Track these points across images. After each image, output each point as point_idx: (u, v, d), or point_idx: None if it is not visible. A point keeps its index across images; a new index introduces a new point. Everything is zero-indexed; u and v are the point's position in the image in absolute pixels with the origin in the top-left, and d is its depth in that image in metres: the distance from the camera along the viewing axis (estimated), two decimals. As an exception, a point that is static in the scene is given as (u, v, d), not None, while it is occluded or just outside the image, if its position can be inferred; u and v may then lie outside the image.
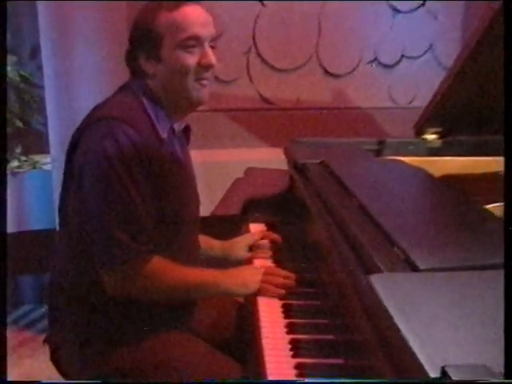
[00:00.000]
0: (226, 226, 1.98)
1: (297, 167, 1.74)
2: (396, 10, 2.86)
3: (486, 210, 1.14)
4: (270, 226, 1.80)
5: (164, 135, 1.25)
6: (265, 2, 2.67)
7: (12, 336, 2.33)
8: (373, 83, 2.89)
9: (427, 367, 0.58)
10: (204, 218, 1.79)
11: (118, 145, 1.16)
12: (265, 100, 2.78)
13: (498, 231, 1.00)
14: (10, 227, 2.31)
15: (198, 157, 2.60)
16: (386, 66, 2.91)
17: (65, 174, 1.28)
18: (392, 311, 0.72)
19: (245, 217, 1.94)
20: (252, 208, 1.97)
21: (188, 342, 1.28)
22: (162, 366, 1.22)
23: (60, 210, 1.31)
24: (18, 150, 2.32)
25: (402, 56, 2.90)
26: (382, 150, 2.03)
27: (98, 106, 1.28)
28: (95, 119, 1.22)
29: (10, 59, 2.32)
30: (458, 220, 1.08)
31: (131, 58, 1.29)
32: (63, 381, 1.38)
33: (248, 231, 1.73)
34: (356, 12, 2.81)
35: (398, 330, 0.66)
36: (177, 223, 1.28)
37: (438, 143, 2.08)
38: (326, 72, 2.83)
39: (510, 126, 0.93)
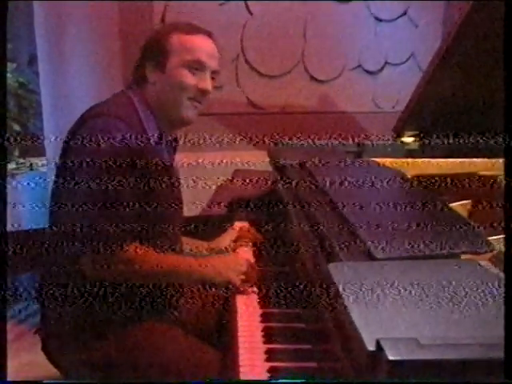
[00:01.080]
0: (212, 224, 2.05)
1: (278, 168, 1.81)
2: (378, 19, 2.94)
3: (447, 205, 1.21)
4: (254, 224, 1.87)
5: (152, 139, 1.32)
6: (252, 10, 2.75)
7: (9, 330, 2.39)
8: (357, 89, 2.97)
9: (366, 340, 0.65)
10: (192, 218, 1.86)
11: (109, 138, 1.22)
12: (253, 105, 2.86)
13: (453, 224, 1.07)
14: (10, 227, 2.38)
15: (187, 159, 2.70)
16: (370, 73, 2.99)
17: (58, 168, 1.33)
18: (343, 293, 0.78)
19: (230, 215, 2.01)
20: (237, 207, 2.04)
21: (170, 331, 1.34)
22: (144, 354, 1.28)
23: (51, 205, 1.36)
24: (16, 152, 2.39)
25: (385, 63, 2.98)
26: (361, 152, 2.11)
27: (95, 105, 1.35)
28: (91, 116, 1.29)
29: (9, 66, 2.39)
30: (418, 214, 1.16)
31: (139, 65, 1.37)
32: (63, 381, 1.42)
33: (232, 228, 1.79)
34: (340, 21, 2.89)
35: (345, 308, 0.73)
36: (159, 217, 1.34)
37: (416, 145, 2.16)
38: (312, 78, 2.91)
39: (510, 127, 0.94)
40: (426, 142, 2.12)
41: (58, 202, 1.32)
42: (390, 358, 0.60)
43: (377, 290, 0.80)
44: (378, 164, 1.74)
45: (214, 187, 2.60)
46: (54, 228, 1.33)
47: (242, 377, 1.01)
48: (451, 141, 2.09)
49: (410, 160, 1.99)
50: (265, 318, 1.23)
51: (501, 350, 0.63)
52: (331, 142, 2.17)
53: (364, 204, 1.21)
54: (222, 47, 2.68)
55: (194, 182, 2.57)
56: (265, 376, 1.02)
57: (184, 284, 1.44)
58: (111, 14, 2.32)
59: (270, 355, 1.08)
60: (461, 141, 2.07)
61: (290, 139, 2.21)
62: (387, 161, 1.88)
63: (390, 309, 0.74)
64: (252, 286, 1.34)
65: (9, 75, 2.34)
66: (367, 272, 0.88)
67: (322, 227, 1.12)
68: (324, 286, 0.92)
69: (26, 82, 2.45)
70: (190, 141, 2.69)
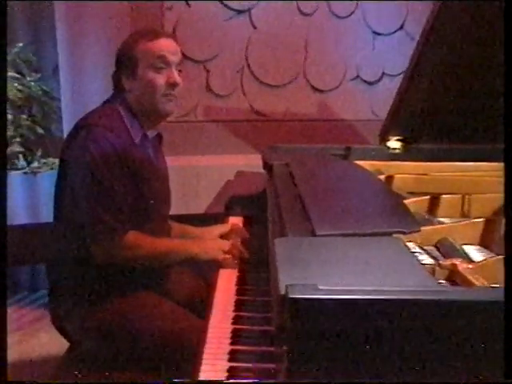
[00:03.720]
0: (213, 222, 2.23)
1: (266, 167, 1.99)
2: (376, 33, 3.10)
3: (394, 194, 1.37)
4: (247, 219, 2.05)
5: (137, 140, 1.52)
6: (256, 25, 2.94)
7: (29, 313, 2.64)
8: (355, 98, 3.12)
9: (280, 285, 0.82)
10: (196, 216, 2.04)
11: (99, 146, 1.44)
12: (257, 112, 3.04)
13: (388, 208, 1.23)
14: (29, 219, 2.60)
15: (197, 161, 2.90)
16: (368, 83, 3.15)
17: (58, 172, 1.55)
18: (279, 258, 0.96)
19: (227, 212, 2.19)
20: (234, 204, 2.22)
21: (160, 300, 1.53)
22: (137, 319, 1.47)
23: (55, 203, 1.57)
24: (39, 153, 2.61)
25: (383, 74, 3.13)
26: (348, 156, 2.26)
27: (86, 116, 1.55)
28: (82, 126, 1.50)
29: (35, 76, 2.63)
30: (365, 200, 1.32)
31: (115, 77, 1.56)
32: (64, 381, 1.54)
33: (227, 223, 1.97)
34: (340, 34, 3.06)
35: (275, 263, 0.90)
36: (147, 208, 1.54)
37: (400, 149, 2.30)
38: (313, 88, 3.08)
39: (510, 129, 0.97)
40: (409, 146, 2.27)
41: (62, 200, 1.53)
42: (290, 296, 0.77)
43: (308, 259, 0.97)
44: (352, 163, 1.90)
45: (218, 187, 2.79)
46: (62, 222, 1.54)
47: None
48: (434, 145, 2.24)
49: (391, 162, 2.15)
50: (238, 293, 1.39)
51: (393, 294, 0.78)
52: (322, 145, 2.33)
53: (323, 191, 1.38)
54: (228, 59, 2.93)
55: (199, 182, 2.78)
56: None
57: (175, 262, 1.63)
58: (125, 28, 2.54)
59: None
60: (442, 145, 2.22)
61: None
62: (370, 163, 2.05)
63: (314, 273, 0.91)
64: (235, 265, 1.50)
65: (33, 84, 2.58)
66: (306, 245, 1.05)
67: (285, 212, 1.30)
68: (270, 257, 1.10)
69: (50, 90, 2.65)
70: (195, 144, 2.90)
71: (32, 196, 2.59)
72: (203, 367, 1.05)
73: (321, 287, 0.79)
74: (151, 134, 1.61)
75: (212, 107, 2.97)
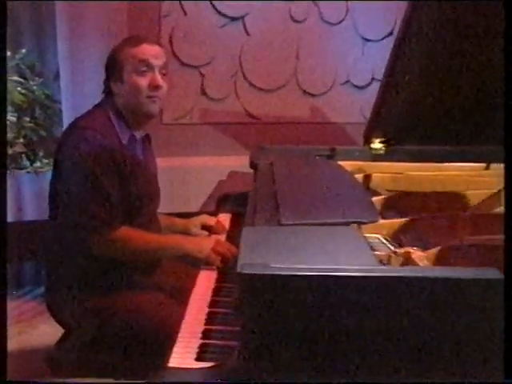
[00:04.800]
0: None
1: (253, 166, 2.09)
2: (366, 39, 3.20)
3: (362, 190, 1.47)
4: (235, 216, 2.15)
5: (125, 141, 1.62)
6: (249, 31, 3.04)
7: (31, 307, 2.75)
8: (346, 102, 3.22)
9: (239, 265, 0.92)
10: (190, 214, 2.14)
11: (90, 147, 1.54)
12: (250, 115, 3.14)
13: (356, 202, 1.33)
14: (32, 217, 2.72)
15: (193, 162, 3.00)
16: (358, 87, 3.24)
17: (52, 172, 1.66)
18: (243, 244, 1.06)
19: (217, 209, 2.29)
20: (224, 202, 2.33)
21: (149, 292, 1.63)
22: (126, 307, 1.57)
23: (50, 201, 1.68)
24: (41, 153, 2.72)
25: (372, 78, 3.22)
26: (333, 156, 2.36)
27: (77, 119, 1.66)
28: (74, 128, 1.61)
29: (37, 81, 2.75)
30: (333, 194, 1.42)
31: (105, 82, 1.66)
32: (64, 380, 1.63)
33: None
34: (330, 40, 3.16)
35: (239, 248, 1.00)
36: (137, 205, 1.64)
37: (382, 150, 2.39)
38: (304, 92, 3.18)
39: (510, 130, 1.01)
40: (392, 147, 2.36)
41: (56, 197, 1.64)
42: (242, 272, 0.87)
43: (270, 244, 1.08)
44: (330, 162, 2.00)
45: (212, 187, 2.89)
46: (56, 218, 1.64)
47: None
48: (414, 147, 2.33)
49: (374, 163, 2.24)
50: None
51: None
52: (309, 146, 2.43)
53: (297, 187, 1.48)
54: (223, 64, 3.03)
55: (195, 181, 2.89)
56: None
57: (168, 258, 1.73)
58: (123, 35, 2.64)
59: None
60: (423, 147, 2.31)
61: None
62: (353, 163, 2.15)
63: (271, 255, 1.01)
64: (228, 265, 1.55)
65: (36, 88, 2.70)
66: (271, 233, 1.15)
67: (259, 205, 1.40)
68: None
69: (51, 94, 2.77)
70: (191, 145, 3.02)
71: (35, 194, 2.71)
72: (177, 344, 1.15)
73: (272, 265, 0.90)
74: (139, 134, 1.71)
75: (207, 110, 3.08)
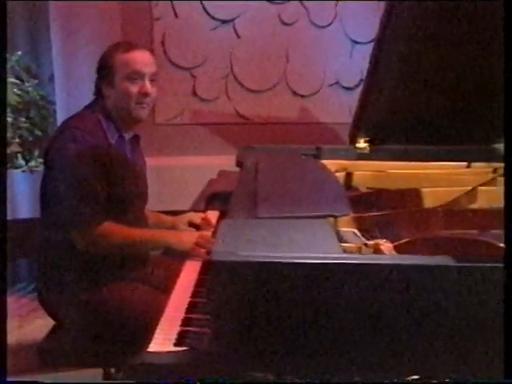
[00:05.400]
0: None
1: (239, 165, 2.15)
2: (354, 42, 3.26)
3: (339, 186, 1.53)
4: (223, 213, 2.20)
5: (112, 141, 1.68)
6: (240, 34, 3.10)
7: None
8: (335, 102, 3.28)
9: (213, 251, 0.98)
10: (179, 211, 2.19)
11: (78, 146, 1.59)
12: (241, 116, 3.21)
13: (331, 197, 1.39)
14: (27, 214, 2.78)
15: (184, 162, 3.06)
16: (347, 88, 3.30)
17: (43, 170, 1.72)
18: (219, 235, 1.12)
19: (206, 207, 2.35)
20: (213, 200, 2.38)
21: (136, 285, 1.69)
22: (113, 299, 1.63)
23: (41, 199, 1.73)
24: (36, 153, 2.78)
25: (360, 80, 3.27)
26: (319, 155, 2.42)
27: (67, 119, 1.71)
28: (63, 129, 1.67)
29: (32, 82, 2.81)
30: (311, 190, 1.48)
31: (97, 84, 1.71)
32: (64, 380, 1.72)
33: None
34: (319, 43, 3.22)
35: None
36: (125, 203, 1.70)
37: (367, 150, 2.45)
38: (294, 93, 3.24)
39: (510, 128, 1.02)
40: (376, 146, 2.41)
41: (46, 195, 1.70)
42: (213, 258, 0.93)
43: (244, 236, 1.13)
44: (313, 160, 2.06)
45: (203, 186, 2.95)
46: (46, 215, 1.71)
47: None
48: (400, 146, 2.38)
49: (358, 162, 2.29)
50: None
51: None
52: (295, 146, 2.49)
53: (278, 183, 1.54)
54: (214, 66, 3.10)
55: (186, 180, 2.94)
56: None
57: (151, 250, 1.79)
58: (116, 39, 2.71)
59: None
60: (406, 146, 2.36)
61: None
62: (338, 162, 2.21)
63: (243, 245, 1.06)
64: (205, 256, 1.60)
65: (31, 89, 2.76)
66: (247, 226, 1.21)
67: (239, 200, 1.46)
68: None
69: (46, 95, 2.84)
70: (183, 145, 3.08)
71: (29, 193, 2.76)
72: (158, 331, 1.21)
73: (240, 253, 0.96)
74: (128, 135, 1.76)
75: (199, 111, 3.15)
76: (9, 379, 1.17)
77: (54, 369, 1.68)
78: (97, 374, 1.80)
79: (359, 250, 1.26)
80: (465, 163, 2.25)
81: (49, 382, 1.79)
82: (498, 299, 0.87)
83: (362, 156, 2.37)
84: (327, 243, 1.05)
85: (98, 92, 1.72)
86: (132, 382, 1.01)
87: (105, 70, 1.68)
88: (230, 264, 0.92)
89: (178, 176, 3.02)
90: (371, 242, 1.28)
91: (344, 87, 3.29)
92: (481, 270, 0.88)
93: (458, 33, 1.88)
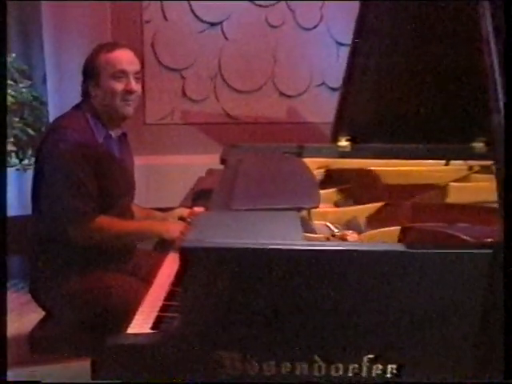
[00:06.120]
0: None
1: (222, 162, 2.23)
2: (340, 43, 3.34)
3: (314, 181, 1.60)
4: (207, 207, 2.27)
5: (100, 139, 1.75)
6: (228, 36, 3.18)
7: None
8: (321, 103, 3.34)
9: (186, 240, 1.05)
10: (169, 208, 2.27)
11: (67, 145, 1.66)
12: (229, 116, 3.29)
13: (302, 191, 1.46)
14: (21, 211, 2.84)
15: (174, 160, 3.13)
16: (333, 89, 3.37)
17: (34, 168, 1.79)
18: (192, 226, 1.19)
19: (194, 204, 2.42)
20: (200, 197, 2.45)
21: (122, 276, 1.76)
22: (100, 290, 1.70)
23: (32, 196, 1.80)
24: (30, 151, 2.85)
25: (346, 80, 3.36)
26: (301, 153, 2.49)
27: (56, 119, 1.79)
28: (53, 128, 1.75)
29: (26, 83, 2.88)
30: (285, 185, 1.55)
31: (83, 85, 1.78)
32: (64, 381, 1.77)
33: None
34: (306, 45, 3.30)
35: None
36: (111, 198, 1.77)
37: (348, 148, 2.52)
38: (281, 93, 3.32)
39: (510, 127, 1.04)
40: (357, 145, 2.48)
41: (38, 193, 1.76)
42: (181, 246, 1.00)
43: (216, 226, 1.21)
44: (297, 160, 2.14)
45: (192, 183, 3.02)
46: (39, 212, 1.77)
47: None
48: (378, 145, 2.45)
49: (339, 160, 2.36)
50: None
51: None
52: (279, 144, 2.56)
53: (254, 179, 1.62)
54: (203, 67, 3.17)
55: (176, 178, 3.01)
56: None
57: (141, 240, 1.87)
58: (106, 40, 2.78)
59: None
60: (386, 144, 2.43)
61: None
62: (320, 160, 2.28)
63: (213, 234, 1.14)
64: None
65: (25, 90, 2.83)
66: (222, 217, 1.29)
67: (218, 193, 1.54)
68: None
69: (39, 96, 2.91)
70: (172, 144, 3.15)
71: (23, 190, 2.83)
72: (137, 316, 1.29)
73: (207, 241, 1.03)
74: (116, 133, 1.83)
75: (188, 111, 3.23)
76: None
77: (43, 356, 1.74)
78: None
79: (326, 241, 1.34)
80: (443, 161, 2.32)
81: (49, 382, 1.85)
82: (441, 284, 0.95)
83: (343, 154, 2.45)
84: (290, 232, 1.12)
85: (85, 92, 1.79)
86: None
87: (90, 71, 1.75)
88: (194, 250, 1.00)
89: (169, 174, 3.09)
90: (339, 234, 1.36)
91: (330, 88, 3.36)
92: (427, 256, 0.96)
93: (436, 32, 1.94)
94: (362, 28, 1.98)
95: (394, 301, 0.98)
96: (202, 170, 3.04)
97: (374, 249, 0.97)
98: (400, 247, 0.97)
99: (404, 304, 0.99)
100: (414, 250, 0.95)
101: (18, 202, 2.87)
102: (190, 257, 0.99)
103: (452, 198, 1.85)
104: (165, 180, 3.06)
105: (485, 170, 2.02)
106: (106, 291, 1.69)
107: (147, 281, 1.75)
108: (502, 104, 1.29)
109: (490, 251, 0.98)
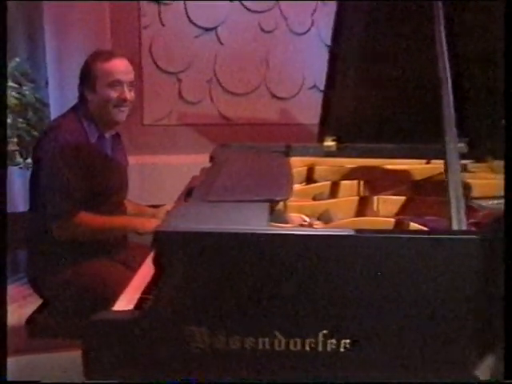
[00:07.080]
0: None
1: (211, 160, 2.34)
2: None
3: (290, 177, 1.71)
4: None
5: (93, 140, 1.86)
6: (222, 41, 3.30)
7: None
8: (313, 104, 3.43)
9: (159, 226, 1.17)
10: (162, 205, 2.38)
11: (59, 145, 1.77)
12: (224, 117, 3.41)
13: (276, 185, 1.57)
14: (25, 208, 2.97)
15: (171, 160, 3.24)
16: (324, 92, 3.48)
17: (31, 168, 1.92)
18: (169, 215, 1.30)
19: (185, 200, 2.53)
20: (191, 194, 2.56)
21: (110, 265, 1.88)
22: (92, 278, 1.82)
23: (30, 194, 1.93)
24: (32, 151, 2.99)
25: (337, 83, 3.46)
26: (288, 153, 2.59)
27: (53, 121, 1.92)
28: (48, 129, 1.87)
29: (30, 86, 3.01)
30: (263, 179, 1.66)
31: (80, 89, 1.89)
32: (64, 381, 1.83)
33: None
34: (298, 49, 3.41)
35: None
36: (104, 194, 1.89)
37: (334, 148, 2.62)
38: (274, 96, 3.44)
39: (510, 127, 1.09)
40: (342, 144, 2.58)
41: (33, 190, 1.90)
42: (159, 229, 1.12)
43: (192, 215, 1.32)
44: (281, 158, 2.25)
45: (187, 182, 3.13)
46: (33, 209, 1.91)
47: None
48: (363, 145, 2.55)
49: (325, 159, 2.46)
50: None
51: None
52: (268, 144, 2.66)
53: (235, 174, 1.73)
54: (198, 71, 3.29)
55: (172, 177, 3.13)
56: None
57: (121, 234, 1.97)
58: (106, 47, 2.91)
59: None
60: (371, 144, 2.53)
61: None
62: (306, 159, 2.38)
63: (187, 221, 1.25)
64: None
65: (28, 93, 2.96)
66: (198, 208, 1.40)
67: (199, 187, 1.65)
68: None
69: (42, 98, 3.04)
70: (169, 145, 3.27)
71: (27, 187, 2.95)
72: (122, 297, 1.40)
73: (180, 226, 1.14)
74: (109, 134, 1.95)
75: (184, 113, 3.35)
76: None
77: (40, 339, 1.85)
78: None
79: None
80: (425, 160, 2.41)
81: (50, 382, 1.91)
82: (385, 266, 1.06)
83: (329, 153, 2.55)
84: (257, 220, 1.23)
85: (81, 96, 1.90)
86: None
87: (87, 77, 1.85)
88: (162, 234, 1.11)
89: (165, 173, 3.21)
90: (306, 223, 1.47)
91: (321, 90, 3.45)
92: (371, 240, 1.07)
93: (415, 32, 2.02)
94: (339, 29, 2.08)
95: (344, 281, 1.09)
96: (198, 169, 3.16)
97: (325, 233, 1.08)
98: (348, 232, 1.08)
99: (353, 284, 1.09)
100: (360, 234, 1.06)
101: (21, 199, 3.00)
102: (159, 240, 1.11)
103: (426, 193, 1.95)
104: (162, 178, 3.18)
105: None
106: (96, 277, 1.81)
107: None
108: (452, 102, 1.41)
109: (428, 236, 1.09)
